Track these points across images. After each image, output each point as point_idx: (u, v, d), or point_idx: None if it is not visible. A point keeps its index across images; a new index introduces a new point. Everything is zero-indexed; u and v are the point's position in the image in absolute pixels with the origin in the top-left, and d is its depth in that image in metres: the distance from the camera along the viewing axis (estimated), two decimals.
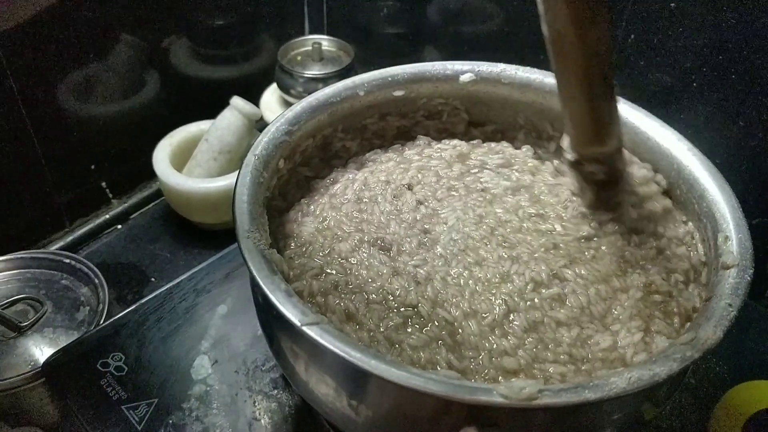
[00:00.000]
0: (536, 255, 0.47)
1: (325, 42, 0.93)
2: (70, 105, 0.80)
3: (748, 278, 0.39)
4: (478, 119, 0.61)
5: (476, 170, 0.55)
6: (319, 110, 0.54)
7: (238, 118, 0.83)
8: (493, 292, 0.45)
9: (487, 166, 0.56)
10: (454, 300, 0.44)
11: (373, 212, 0.51)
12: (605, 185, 0.49)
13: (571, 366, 0.41)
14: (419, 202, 0.52)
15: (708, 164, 0.47)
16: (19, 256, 0.71)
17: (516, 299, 0.44)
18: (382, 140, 0.60)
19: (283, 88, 0.90)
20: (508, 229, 0.49)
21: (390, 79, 0.57)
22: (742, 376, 0.58)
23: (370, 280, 0.46)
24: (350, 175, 0.55)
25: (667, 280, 0.45)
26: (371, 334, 0.43)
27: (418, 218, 0.51)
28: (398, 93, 0.57)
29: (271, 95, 0.95)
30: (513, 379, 0.35)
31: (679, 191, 0.49)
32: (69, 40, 0.76)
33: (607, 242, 0.48)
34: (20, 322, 0.64)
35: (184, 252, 0.86)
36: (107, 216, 0.89)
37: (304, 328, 0.36)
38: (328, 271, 0.47)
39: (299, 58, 0.92)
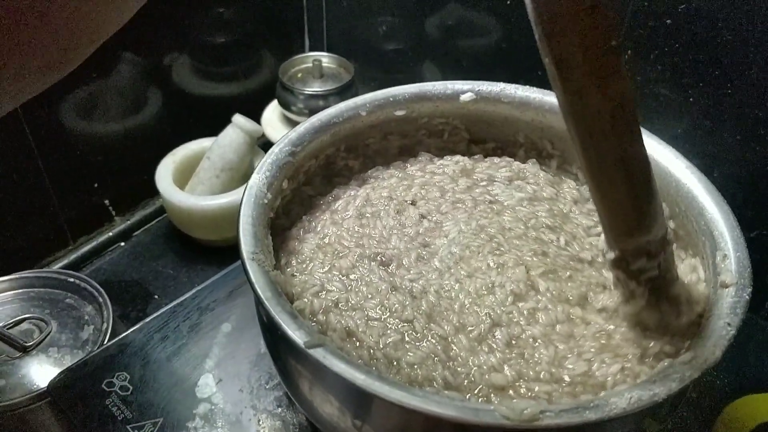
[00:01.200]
0: (521, 261, 0.48)
1: (325, 59, 0.93)
2: (72, 123, 0.81)
3: (747, 297, 0.40)
4: (478, 137, 0.62)
5: (485, 183, 0.56)
6: (322, 131, 0.55)
7: (240, 135, 0.84)
8: (479, 304, 0.45)
9: (497, 179, 0.56)
10: (446, 314, 0.45)
11: (375, 227, 0.52)
12: (658, 285, 0.42)
13: (555, 385, 0.41)
14: (422, 216, 0.53)
15: (706, 182, 0.48)
16: (24, 275, 0.72)
17: (498, 312, 0.45)
18: (384, 158, 0.60)
19: (284, 104, 0.91)
20: (507, 236, 0.50)
21: (391, 99, 0.58)
22: (743, 390, 0.58)
23: (369, 296, 0.46)
24: (352, 192, 0.56)
25: (638, 347, 0.43)
26: (371, 351, 0.43)
27: (420, 232, 0.51)
28: (400, 112, 0.58)
29: (272, 112, 0.96)
30: (514, 400, 0.35)
31: (678, 209, 0.49)
32: None
33: (588, 274, 0.48)
34: (25, 342, 0.64)
35: (188, 269, 0.86)
36: (110, 233, 0.89)
37: (310, 351, 0.37)
38: (329, 287, 0.47)
39: (300, 75, 0.92)
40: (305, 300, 0.46)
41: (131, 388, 0.57)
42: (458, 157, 0.59)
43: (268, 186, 0.49)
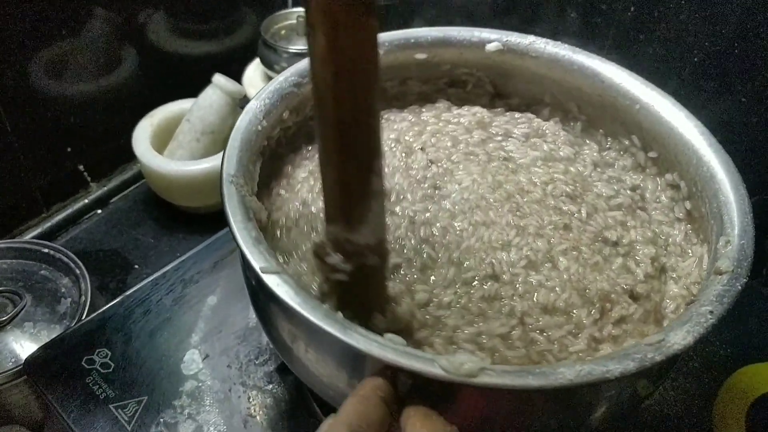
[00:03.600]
0: (542, 231, 0.45)
1: None
2: (42, 84, 0.76)
3: (739, 287, 0.37)
4: (503, 91, 0.58)
5: (500, 138, 0.53)
6: None
7: (221, 96, 0.80)
8: (488, 253, 0.43)
9: (513, 135, 0.53)
10: (449, 245, 0.44)
11: None
12: (346, 296, 0.39)
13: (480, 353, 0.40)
14: (431, 162, 0.50)
15: (728, 164, 0.45)
16: None
17: (504, 268, 0.43)
18: (401, 103, 0.58)
19: (267, 63, 0.87)
20: (526, 199, 0.47)
21: (412, 40, 0.55)
22: (746, 359, 0.57)
23: None
24: None
25: None
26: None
27: (428, 176, 0.49)
28: (420, 56, 0.55)
29: (254, 71, 0.91)
30: (457, 354, 0.33)
31: (695, 188, 0.46)
32: (39, 15, 0.71)
33: (618, 269, 0.44)
34: None
35: (168, 237, 0.83)
36: (86, 201, 0.85)
37: (263, 276, 0.36)
38: (311, 204, 0.46)
39: (283, 32, 0.88)
40: (281, 212, 0.46)
41: (113, 365, 0.55)
42: (477, 108, 0.56)
43: (265, 113, 0.48)
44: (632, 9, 0.67)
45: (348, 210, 0.35)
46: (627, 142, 0.53)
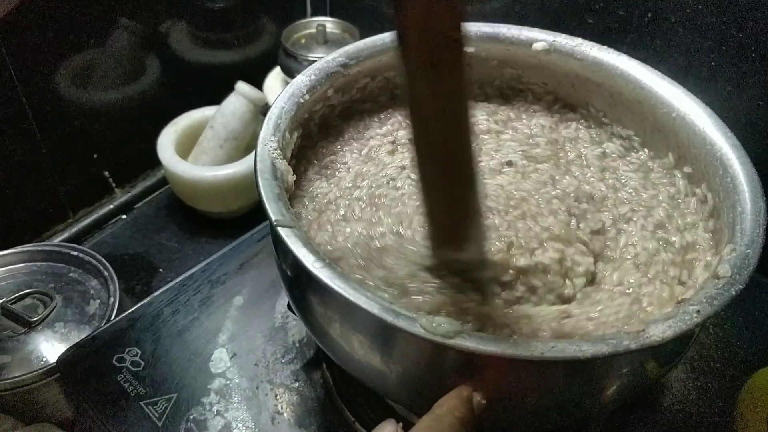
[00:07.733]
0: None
1: (329, 24, 0.90)
2: (69, 92, 0.78)
3: (733, 293, 0.37)
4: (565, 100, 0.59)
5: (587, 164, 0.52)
6: (383, 51, 0.54)
7: (244, 104, 0.81)
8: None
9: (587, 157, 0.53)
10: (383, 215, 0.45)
11: None
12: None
13: None
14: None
15: (752, 176, 0.44)
16: (26, 249, 0.70)
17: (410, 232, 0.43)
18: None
19: (287, 72, 0.88)
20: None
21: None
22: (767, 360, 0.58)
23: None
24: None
25: None
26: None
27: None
28: (468, 49, 0.56)
29: (274, 79, 0.93)
30: (437, 316, 0.35)
31: (718, 199, 0.46)
32: (67, 25, 0.73)
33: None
34: (30, 318, 0.63)
35: (192, 241, 0.84)
36: (111, 206, 0.87)
37: (278, 228, 0.38)
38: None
39: (303, 40, 0.90)
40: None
41: (143, 363, 0.56)
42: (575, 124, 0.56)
43: (309, 88, 0.50)
44: (649, 14, 0.68)
45: (455, 230, 0.38)
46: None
